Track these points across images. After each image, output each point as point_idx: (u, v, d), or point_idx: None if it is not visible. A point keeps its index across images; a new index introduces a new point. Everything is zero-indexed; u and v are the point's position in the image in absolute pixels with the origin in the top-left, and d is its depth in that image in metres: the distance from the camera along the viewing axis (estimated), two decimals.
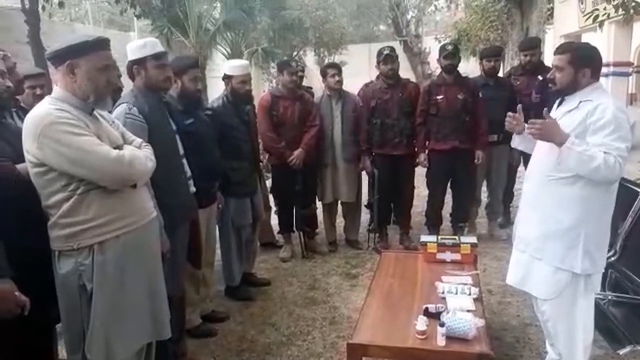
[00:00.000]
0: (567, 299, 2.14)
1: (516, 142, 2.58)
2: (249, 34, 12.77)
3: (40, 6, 7.06)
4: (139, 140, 2.14)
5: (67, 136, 1.74)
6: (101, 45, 1.91)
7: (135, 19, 11.61)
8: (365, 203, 4.70)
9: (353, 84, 4.62)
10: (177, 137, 2.67)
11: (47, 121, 1.74)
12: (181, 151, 2.68)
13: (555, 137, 2.07)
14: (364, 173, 4.55)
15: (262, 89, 12.89)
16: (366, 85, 4.51)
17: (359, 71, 12.62)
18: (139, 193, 2.00)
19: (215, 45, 12.99)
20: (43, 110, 1.78)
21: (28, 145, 1.77)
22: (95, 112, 1.95)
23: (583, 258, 2.11)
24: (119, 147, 1.93)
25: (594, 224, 2.13)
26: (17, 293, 1.72)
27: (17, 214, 1.82)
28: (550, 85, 2.34)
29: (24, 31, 6.68)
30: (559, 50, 2.25)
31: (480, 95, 4.29)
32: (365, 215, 4.80)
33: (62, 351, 2.82)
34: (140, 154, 1.98)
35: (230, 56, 11.96)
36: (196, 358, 2.88)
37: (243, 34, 12.77)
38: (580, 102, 2.14)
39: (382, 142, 4.31)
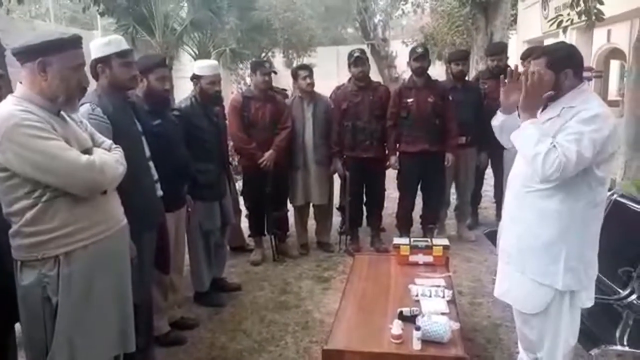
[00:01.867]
0: (553, 314, 2.01)
1: (499, 120, 2.20)
2: (216, 35, 12.60)
3: None
4: (108, 142, 2.04)
5: (33, 140, 1.64)
6: (76, 43, 1.81)
7: (98, 17, 11.27)
8: (337, 205, 4.67)
9: (321, 86, 4.59)
10: (144, 138, 2.58)
11: (10, 123, 1.63)
12: (147, 153, 2.58)
13: (534, 105, 1.94)
14: (335, 175, 4.53)
15: (230, 90, 12.73)
16: (337, 87, 4.50)
17: (327, 74, 12.60)
18: (108, 200, 1.90)
19: (182, 46, 12.77)
20: (6, 111, 1.67)
21: None
22: (62, 113, 1.84)
23: (564, 274, 1.94)
24: (87, 151, 1.83)
25: (576, 240, 1.96)
26: None
27: None
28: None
29: None
30: (533, 56, 2.07)
31: (450, 98, 4.34)
32: (336, 218, 4.78)
33: None
34: (110, 159, 1.89)
35: (198, 56, 11.77)
36: None
37: (211, 34, 12.60)
38: (563, 108, 1.94)
39: (353, 144, 4.29)
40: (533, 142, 1.85)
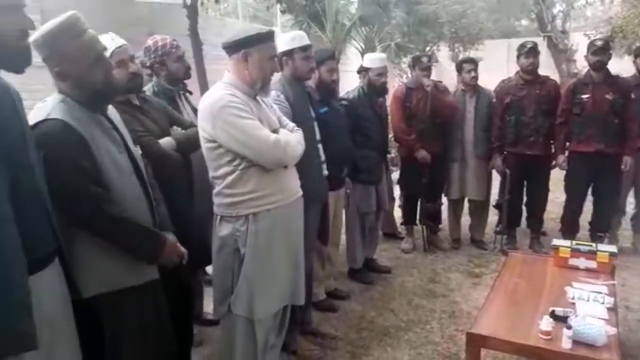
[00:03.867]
0: None
1: None
2: (383, 29, 12.86)
3: (199, 2, 7.87)
4: (291, 124, 2.37)
5: (235, 119, 2.01)
6: (270, 37, 2.16)
7: (278, 14, 12.33)
8: (494, 203, 4.57)
9: (488, 80, 4.50)
10: (315, 123, 2.89)
11: (220, 104, 2.02)
12: (318, 137, 2.89)
13: None
14: (494, 172, 4.43)
15: (392, 84, 12.91)
16: (502, 81, 4.37)
17: (495, 67, 12.04)
18: (289, 173, 2.23)
19: (349, 40, 13.29)
20: (218, 95, 2.06)
21: (204, 124, 2.07)
22: (257, 97, 2.21)
23: None
24: (275, 131, 2.17)
25: None
26: (178, 245, 2.01)
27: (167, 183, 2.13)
28: None
29: (182, 25, 7.48)
30: None
31: (633, 96, 3.94)
32: (493, 216, 4.67)
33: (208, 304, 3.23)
34: (293, 139, 2.21)
35: (364, 51, 12.16)
36: (319, 328, 3.10)
37: (377, 29, 12.89)
38: None
39: (515, 140, 4.15)
40: None
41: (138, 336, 1.82)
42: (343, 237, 3.76)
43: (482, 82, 4.37)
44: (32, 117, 1.61)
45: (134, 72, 2.26)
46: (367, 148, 3.67)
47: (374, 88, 3.74)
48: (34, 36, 1.56)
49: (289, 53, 2.75)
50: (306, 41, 2.77)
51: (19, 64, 1.40)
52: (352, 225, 3.78)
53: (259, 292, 2.16)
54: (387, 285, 3.81)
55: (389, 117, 4.27)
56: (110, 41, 2.10)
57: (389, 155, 4.30)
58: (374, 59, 3.78)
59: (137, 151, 1.91)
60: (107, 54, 1.94)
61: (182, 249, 1.97)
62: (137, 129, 2.17)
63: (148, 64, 2.70)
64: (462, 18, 13.89)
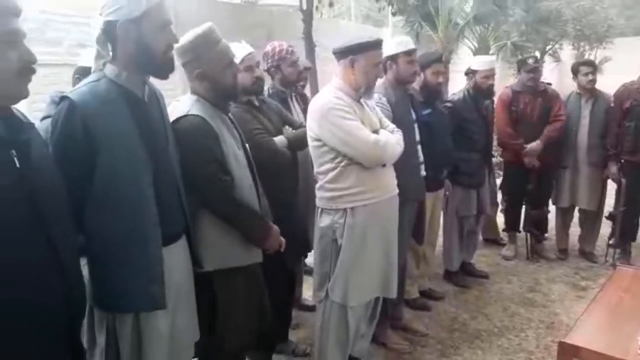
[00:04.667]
0: None
1: None
2: (499, 28, 12.34)
3: (314, 6, 8.23)
4: (392, 125, 2.51)
5: (340, 120, 2.20)
6: (377, 45, 2.32)
7: (390, 15, 12.40)
8: (607, 214, 4.29)
9: (614, 83, 4.21)
10: (415, 125, 2.98)
11: (327, 107, 2.22)
12: (417, 138, 2.97)
13: None
14: (609, 180, 4.17)
15: (506, 84, 12.35)
16: (623, 84, 4.09)
17: (625, 69, 11.04)
18: (386, 172, 2.38)
19: (462, 40, 12.95)
20: (326, 98, 2.27)
21: (311, 124, 2.29)
22: (361, 100, 2.38)
23: None
24: (376, 131, 2.32)
25: None
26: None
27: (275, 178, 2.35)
28: None
29: (297, 28, 7.87)
30: None
31: None
32: (605, 228, 4.39)
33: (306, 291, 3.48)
34: (392, 140, 2.34)
35: (477, 50, 11.79)
36: (410, 325, 3.19)
37: (492, 28, 12.41)
38: None
39: (634, 148, 3.87)
40: None
41: (243, 311, 2.06)
42: (440, 238, 3.80)
43: (609, 84, 4.12)
44: (172, 113, 1.91)
45: (258, 77, 2.50)
46: (470, 151, 3.67)
47: (480, 91, 3.72)
48: (179, 44, 1.85)
49: (393, 57, 2.87)
50: (411, 46, 2.87)
51: (166, 71, 1.69)
52: (449, 227, 3.80)
53: (353, 281, 2.33)
54: (483, 290, 3.78)
55: (495, 120, 4.20)
56: (241, 49, 2.40)
57: (494, 160, 4.24)
58: (482, 62, 3.77)
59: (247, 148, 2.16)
60: (238, 60, 2.23)
61: (282, 239, 2.18)
62: (256, 127, 2.43)
63: (265, 68, 2.98)
64: (589, 14, 12.88)
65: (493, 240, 4.77)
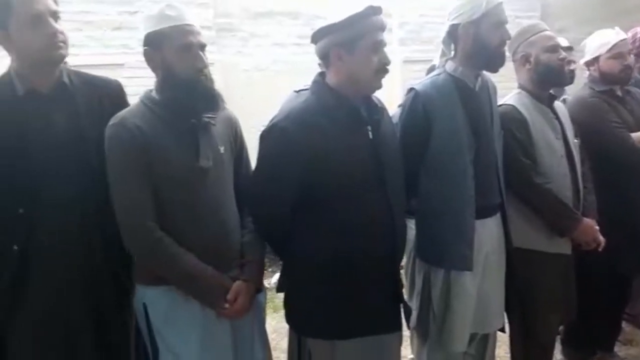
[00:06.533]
0: None
1: None
2: None
3: None
4: None
5: None
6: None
7: None
8: None
9: None
10: None
11: None
12: None
13: None
14: None
15: None
16: None
17: None
18: None
19: None
20: None
21: None
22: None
23: None
24: None
25: None
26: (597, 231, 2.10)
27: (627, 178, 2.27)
28: None
29: None
30: None
31: None
32: None
33: None
34: None
35: None
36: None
37: None
38: None
39: None
40: None
41: (544, 298, 2.09)
42: None
43: None
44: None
45: (627, 65, 2.35)
46: None
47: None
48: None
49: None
50: None
51: (497, 65, 1.88)
52: None
53: None
54: None
55: None
56: (614, 35, 2.36)
57: None
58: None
59: (576, 142, 2.15)
60: (609, 46, 2.31)
61: (600, 237, 2.08)
62: (613, 120, 2.31)
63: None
64: None
65: None
